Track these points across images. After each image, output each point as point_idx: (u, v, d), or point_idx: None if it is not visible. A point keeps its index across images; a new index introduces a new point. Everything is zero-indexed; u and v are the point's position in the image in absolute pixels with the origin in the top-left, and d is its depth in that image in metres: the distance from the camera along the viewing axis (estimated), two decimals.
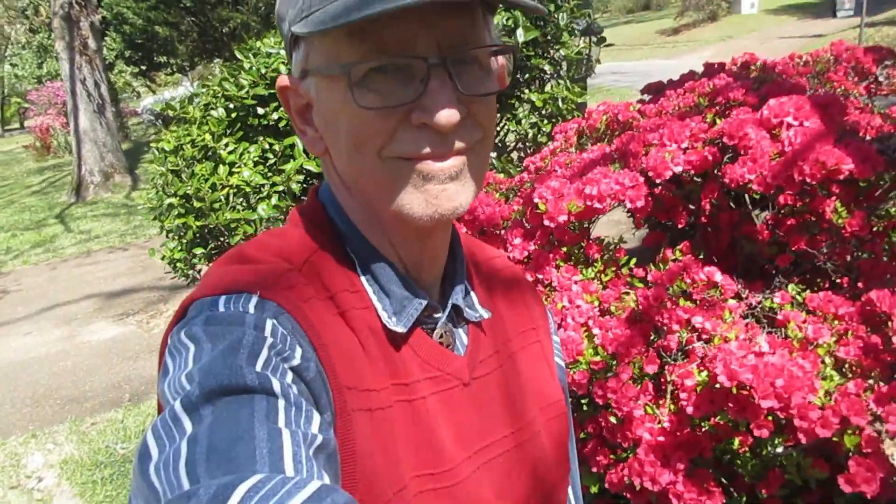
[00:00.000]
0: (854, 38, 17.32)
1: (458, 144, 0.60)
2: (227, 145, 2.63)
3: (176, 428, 0.46)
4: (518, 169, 2.95)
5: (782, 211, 2.05)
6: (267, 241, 0.67)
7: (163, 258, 2.77)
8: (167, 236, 2.90)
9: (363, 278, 0.66)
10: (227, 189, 2.52)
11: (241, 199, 2.54)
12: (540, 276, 1.99)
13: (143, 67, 20.52)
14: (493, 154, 3.27)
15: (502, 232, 2.23)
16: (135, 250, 7.93)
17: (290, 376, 0.52)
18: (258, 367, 0.50)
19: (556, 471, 0.78)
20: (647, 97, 3.13)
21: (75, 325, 5.71)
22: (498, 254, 0.87)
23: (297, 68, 0.64)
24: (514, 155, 3.53)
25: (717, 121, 2.04)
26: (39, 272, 7.71)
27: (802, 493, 1.90)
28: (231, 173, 2.57)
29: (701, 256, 2.45)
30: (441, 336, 0.69)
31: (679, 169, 1.90)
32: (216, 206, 2.55)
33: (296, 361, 0.54)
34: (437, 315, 0.69)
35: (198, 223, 2.58)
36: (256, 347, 0.52)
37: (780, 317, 1.74)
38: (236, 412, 0.46)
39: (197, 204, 2.56)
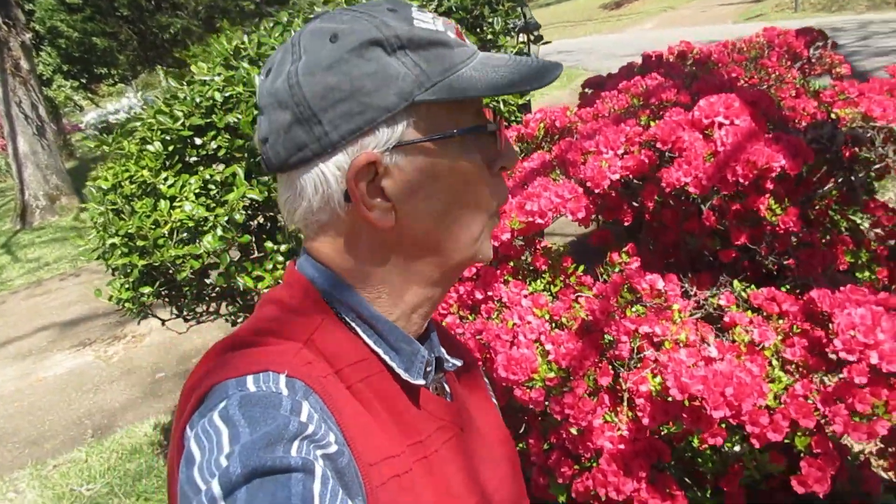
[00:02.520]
0: (791, 1, 17.65)
1: None
2: (166, 179, 2.56)
3: None
4: None
5: (726, 198, 2.07)
6: (260, 326, 0.66)
7: (110, 298, 2.70)
8: (113, 274, 2.82)
9: (370, 341, 0.67)
10: (169, 224, 2.45)
11: (185, 234, 2.48)
12: (490, 294, 1.99)
13: (84, 80, 19.95)
14: None
15: None
16: (87, 275, 7.73)
17: (325, 462, 0.52)
18: (295, 452, 0.50)
19: (525, 498, 0.84)
20: (588, 91, 3.15)
21: (30, 362, 5.55)
22: None
23: (389, 142, 0.63)
24: None
25: (652, 123, 2.05)
26: None
27: (766, 479, 1.94)
28: (173, 208, 2.50)
29: (651, 249, 2.48)
30: (436, 388, 0.74)
31: (616, 176, 1.91)
32: (160, 242, 2.48)
33: (332, 449, 0.54)
34: (429, 368, 0.71)
35: (142, 262, 2.52)
36: (297, 434, 0.52)
37: (726, 319, 1.77)
38: (273, 493, 0.46)
39: (140, 242, 2.49)
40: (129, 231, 2.52)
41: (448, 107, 0.64)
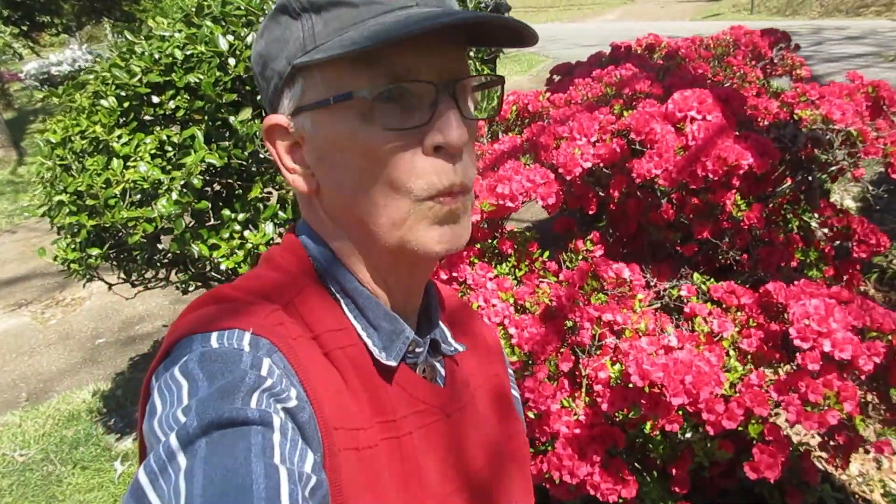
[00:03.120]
0: (747, 3, 18.03)
1: (464, 181, 0.62)
2: (120, 137, 2.45)
3: (170, 463, 0.45)
4: None
5: (686, 192, 2.10)
6: (245, 284, 0.66)
7: (55, 258, 2.58)
8: (58, 233, 2.70)
9: (350, 315, 0.66)
10: (122, 185, 2.36)
11: (138, 196, 2.39)
12: (455, 275, 1.98)
13: (25, 28, 18.99)
14: None
15: None
16: (25, 232, 7.43)
17: (285, 416, 0.51)
18: (254, 404, 0.49)
19: (528, 499, 0.81)
20: (556, 77, 3.15)
21: None
22: (453, 292, 0.90)
23: (290, 106, 0.64)
24: None
25: (625, 113, 2.06)
26: None
27: (711, 465, 2.00)
28: (126, 168, 2.40)
29: (610, 240, 2.51)
30: (424, 370, 0.71)
31: (588, 164, 1.92)
32: (111, 202, 2.38)
33: (291, 403, 0.53)
34: (418, 350, 0.69)
35: (92, 222, 2.41)
36: (255, 386, 0.51)
37: (686, 310, 1.80)
38: (232, 446, 0.45)
39: (90, 201, 2.39)
40: (79, 189, 2.41)
41: (338, 70, 0.59)
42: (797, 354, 1.56)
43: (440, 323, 0.76)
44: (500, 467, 0.76)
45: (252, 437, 0.46)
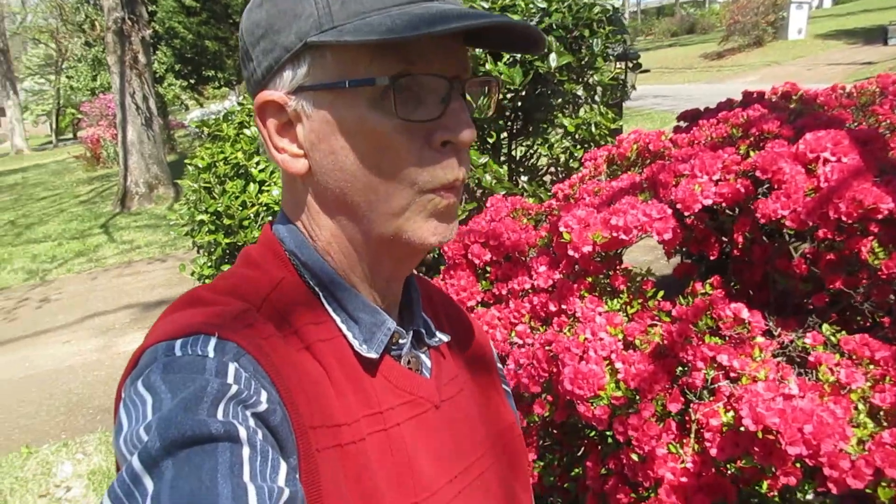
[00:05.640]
0: None
1: (465, 176, 0.63)
2: (258, 163, 2.65)
3: (136, 487, 0.43)
4: (549, 194, 2.93)
5: (821, 245, 1.98)
6: (220, 284, 0.65)
7: (192, 273, 2.80)
8: (198, 252, 2.93)
9: (329, 308, 0.65)
10: (256, 207, 2.54)
11: (269, 217, 2.56)
12: (564, 307, 1.95)
13: (192, 81, 21.05)
14: (525, 178, 3.24)
15: (528, 259, 2.20)
16: (173, 262, 8.08)
17: (253, 423, 0.50)
18: (221, 415, 0.48)
19: (521, 494, 0.79)
20: (683, 124, 3.08)
21: (111, 335, 5.82)
22: (437, 287, 0.90)
23: (292, 84, 0.61)
24: (547, 179, 3.50)
25: (751, 153, 1.99)
26: (81, 281, 7.91)
27: None
28: (261, 191, 2.59)
29: (734, 290, 2.39)
30: (409, 362, 0.69)
31: (709, 202, 1.85)
32: (245, 223, 2.57)
33: (262, 407, 0.51)
34: (402, 341, 0.69)
35: (227, 240, 2.60)
36: (219, 396, 0.49)
37: (811, 358, 1.68)
38: (198, 466, 0.44)
39: (227, 221, 2.59)
40: (218, 209, 2.61)
41: (354, 54, 0.58)
42: None
43: (423, 314, 0.75)
44: (495, 460, 0.75)
45: (219, 455, 0.45)
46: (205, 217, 2.68)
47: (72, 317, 6.48)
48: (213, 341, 0.54)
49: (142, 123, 11.41)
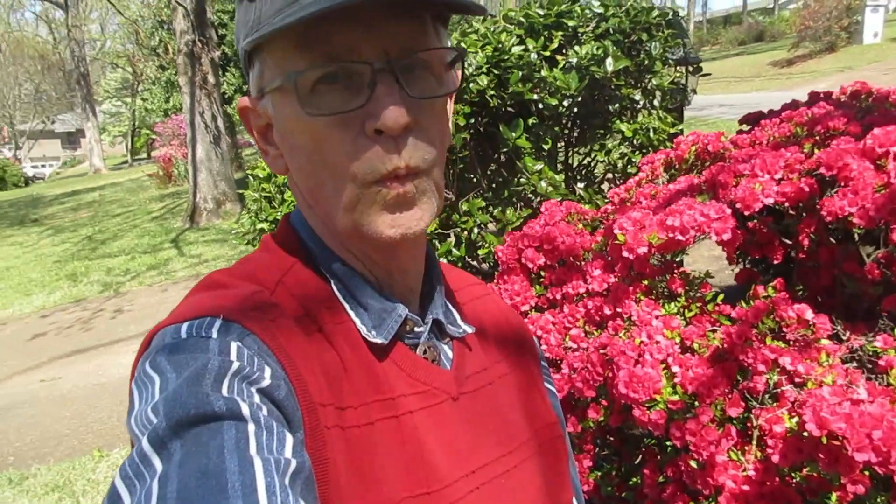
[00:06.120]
0: None
1: (415, 163, 0.59)
2: None
3: (145, 467, 0.45)
4: (606, 200, 2.89)
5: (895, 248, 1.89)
6: (238, 267, 0.67)
7: None
8: None
9: (339, 294, 0.65)
10: None
11: None
12: (619, 310, 1.92)
13: None
14: (581, 185, 3.21)
15: (583, 263, 2.17)
16: None
17: (258, 398, 0.50)
18: (225, 392, 0.49)
19: (557, 497, 0.75)
20: (745, 127, 3.00)
21: None
22: (477, 281, 0.87)
23: (254, 87, 0.64)
24: (605, 186, 3.46)
25: (816, 151, 1.92)
26: (152, 293, 8.21)
27: None
28: None
29: (801, 295, 2.30)
30: (425, 351, 0.68)
31: (770, 201, 1.80)
32: None
33: (265, 382, 0.52)
34: (418, 329, 0.68)
35: None
36: (222, 372, 0.50)
37: (881, 362, 1.60)
38: (205, 444, 0.45)
39: None
40: (277, 218, 2.68)
41: (282, 52, 0.58)
42: None
43: (448, 305, 0.74)
44: (528, 458, 0.72)
45: (224, 432, 0.46)
46: (265, 226, 2.75)
47: (143, 327, 6.72)
48: (217, 323, 0.55)
49: (210, 141, 11.81)
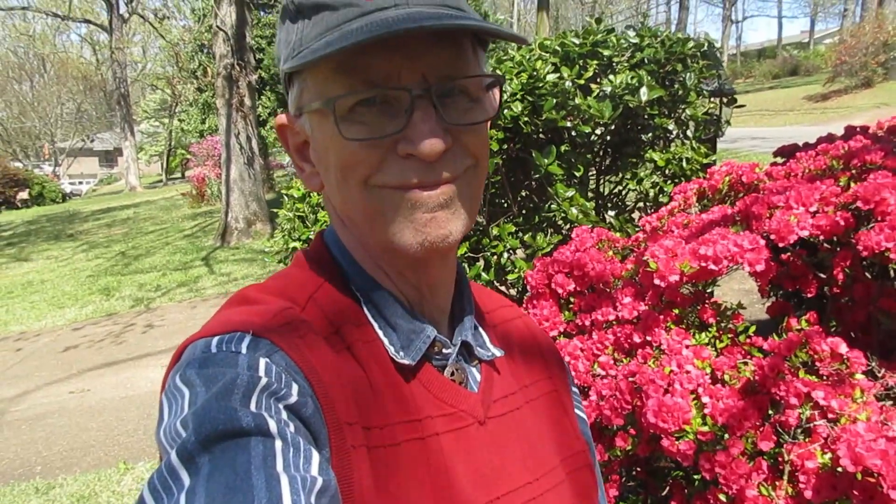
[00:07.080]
0: None
1: (446, 174, 0.60)
2: None
3: (174, 481, 0.45)
4: (636, 229, 2.88)
5: None
6: (270, 283, 0.68)
7: None
8: None
9: (368, 313, 0.66)
10: None
11: None
12: (649, 338, 1.91)
13: None
14: (612, 213, 3.21)
15: (613, 290, 2.16)
16: None
17: (286, 415, 0.51)
18: (253, 408, 0.49)
19: None
20: (780, 160, 2.98)
21: None
22: (508, 303, 0.86)
23: (293, 106, 0.66)
24: (636, 215, 3.45)
25: (852, 185, 1.90)
26: (182, 309, 8.32)
27: None
28: None
29: (834, 330, 2.26)
30: (452, 373, 0.68)
31: (805, 233, 1.78)
32: None
33: (292, 399, 0.53)
34: (446, 351, 0.68)
35: None
36: (250, 388, 0.51)
37: None
38: (233, 460, 0.45)
39: None
40: (309, 237, 2.71)
41: (323, 75, 0.59)
42: None
43: (478, 327, 0.73)
44: (550, 487, 0.70)
45: (252, 448, 0.46)
46: (298, 245, 2.79)
47: (172, 342, 6.81)
48: (247, 339, 0.56)
49: (244, 163, 12.02)
